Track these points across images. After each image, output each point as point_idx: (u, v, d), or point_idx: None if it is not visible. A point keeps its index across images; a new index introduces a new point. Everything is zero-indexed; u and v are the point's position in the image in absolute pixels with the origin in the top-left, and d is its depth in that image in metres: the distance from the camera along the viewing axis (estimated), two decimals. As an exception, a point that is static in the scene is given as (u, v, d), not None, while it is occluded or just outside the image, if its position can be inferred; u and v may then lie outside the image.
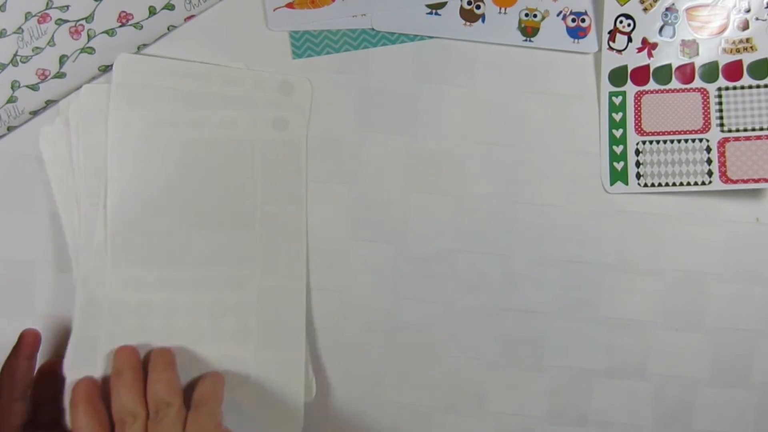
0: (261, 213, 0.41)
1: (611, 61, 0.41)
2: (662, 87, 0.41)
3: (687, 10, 0.41)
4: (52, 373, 0.40)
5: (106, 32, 0.40)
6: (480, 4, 0.41)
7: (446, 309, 0.43)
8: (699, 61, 0.41)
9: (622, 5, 0.41)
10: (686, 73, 0.41)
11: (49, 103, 0.42)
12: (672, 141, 0.41)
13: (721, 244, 0.42)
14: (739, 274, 0.42)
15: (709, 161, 0.41)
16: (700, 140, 0.41)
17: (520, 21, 0.41)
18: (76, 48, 0.40)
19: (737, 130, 0.41)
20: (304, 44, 0.41)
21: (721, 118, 0.41)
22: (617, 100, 0.42)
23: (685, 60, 0.41)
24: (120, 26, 0.40)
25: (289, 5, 0.41)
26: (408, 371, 0.43)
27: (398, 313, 0.43)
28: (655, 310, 0.42)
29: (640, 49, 0.41)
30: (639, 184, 0.42)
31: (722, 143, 0.41)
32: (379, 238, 0.42)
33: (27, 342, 0.40)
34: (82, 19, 0.40)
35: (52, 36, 0.40)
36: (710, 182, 0.41)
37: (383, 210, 0.42)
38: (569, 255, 0.42)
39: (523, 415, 0.43)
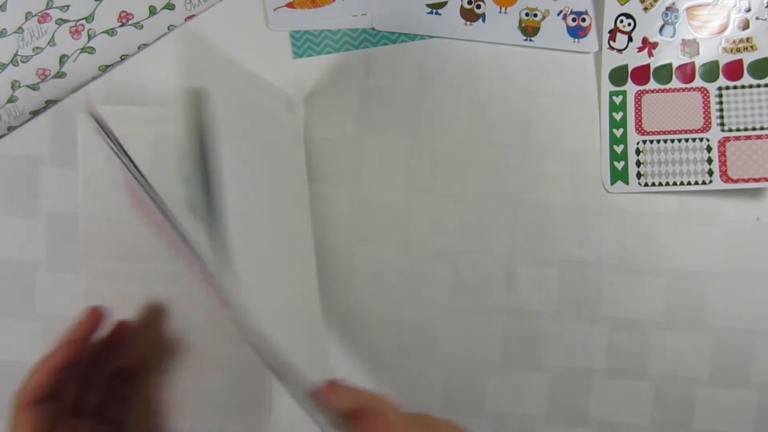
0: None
1: (612, 60, 0.41)
2: (663, 86, 0.41)
3: (687, 9, 0.41)
4: (129, 373, 0.40)
5: (107, 32, 0.40)
6: (480, 3, 0.41)
7: (446, 309, 0.43)
8: (699, 61, 0.41)
9: (622, 5, 0.41)
10: (687, 72, 0.41)
11: (49, 103, 0.42)
12: (672, 140, 0.41)
13: (721, 243, 0.42)
14: (739, 274, 0.42)
15: (710, 161, 0.41)
16: (701, 140, 0.41)
17: (520, 20, 0.41)
18: (76, 48, 0.40)
19: (737, 130, 0.41)
20: (305, 44, 0.41)
21: (722, 117, 0.41)
22: (618, 100, 0.42)
23: (686, 59, 0.41)
24: (120, 26, 0.40)
25: (290, 5, 0.41)
26: (408, 371, 0.43)
27: (399, 312, 0.43)
28: (655, 310, 0.42)
29: (640, 49, 0.41)
30: (639, 183, 0.42)
31: (723, 142, 0.41)
32: (380, 237, 0.42)
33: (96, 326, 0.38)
34: (83, 18, 0.40)
35: (53, 36, 0.40)
36: (711, 181, 0.41)
37: (383, 210, 0.42)
38: (569, 255, 0.42)
39: (523, 415, 0.43)
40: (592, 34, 0.41)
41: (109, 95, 0.42)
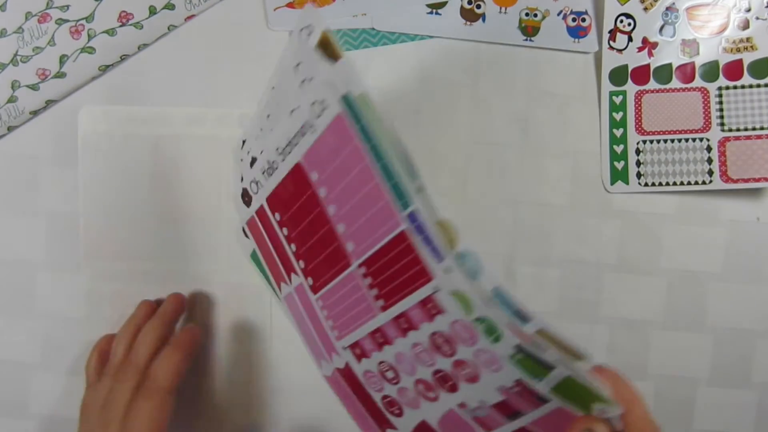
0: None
1: (612, 60, 0.41)
2: (663, 86, 0.41)
3: (687, 9, 0.41)
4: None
5: (107, 32, 0.40)
6: (480, 3, 0.41)
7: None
8: (699, 61, 0.41)
9: (622, 5, 0.41)
10: (687, 72, 0.41)
11: (49, 103, 0.42)
12: (672, 140, 0.41)
13: (721, 243, 0.42)
14: (739, 274, 0.42)
15: (710, 160, 0.41)
16: (701, 139, 0.41)
17: (520, 20, 0.41)
18: (76, 48, 0.40)
19: (738, 130, 0.41)
20: (305, 44, 0.41)
21: (722, 117, 0.41)
22: (618, 100, 0.42)
23: (686, 59, 0.41)
24: (120, 26, 0.40)
25: (290, 5, 0.41)
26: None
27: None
28: (655, 310, 0.42)
29: (640, 49, 0.41)
30: (639, 183, 0.42)
31: (723, 142, 0.41)
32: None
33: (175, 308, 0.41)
34: (83, 18, 0.40)
35: (53, 36, 0.40)
36: (711, 181, 0.41)
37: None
38: (569, 255, 0.42)
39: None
40: (592, 34, 0.41)
41: (109, 95, 0.42)
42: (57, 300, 0.43)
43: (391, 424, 0.33)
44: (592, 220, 0.42)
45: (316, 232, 0.31)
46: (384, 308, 0.30)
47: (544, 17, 0.41)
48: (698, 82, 0.41)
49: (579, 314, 0.43)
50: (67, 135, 0.42)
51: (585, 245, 0.42)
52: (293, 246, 0.32)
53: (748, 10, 0.40)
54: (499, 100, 0.42)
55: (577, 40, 0.41)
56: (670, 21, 0.41)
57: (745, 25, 0.41)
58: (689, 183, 0.41)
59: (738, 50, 0.41)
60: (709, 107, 0.41)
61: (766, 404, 0.43)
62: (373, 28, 0.41)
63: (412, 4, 0.41)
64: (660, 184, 0.41)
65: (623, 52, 0.41)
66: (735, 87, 0.41)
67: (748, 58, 0.41)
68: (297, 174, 0.30)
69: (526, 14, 0.41)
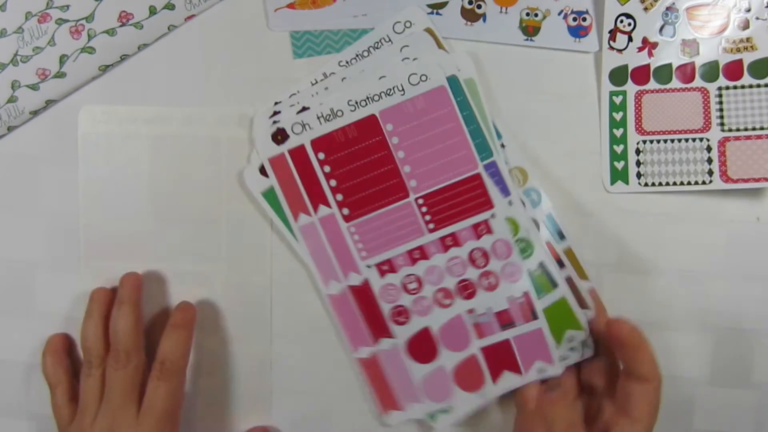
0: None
1: (612, 60, 0.41)
2: (663, 86, 0.41)
3: (687, 9, 0.41)
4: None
5: (107, 32, 0.40)
6: (481, 3, 0.41)
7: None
8: (699, 61, 0.41)
9: (622, 4, 0.41)
10: (687, 72, 0.41)
11: (49, 103, 0.42)
12: (672, 140, 0.41)
13: (721, 243, 0.42)
14: (739, 274, 0.42)
15: (710, 160, 0.41)
16: (701, 139, 0.41)
17: (521, 20, 0.41)
18: (76, 48, 0.40)
19: (738, 130, 0.41)
20: (305, 44, 0.41)
21: (722, 117, 0.41)
22: (618, 100, 0.42)
23: (686, 59, 0.41)
24: (120, 26, 0.40)
25: (290, 5, 0.41)
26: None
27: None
28: (654, 310, 0.42)
29: (640, 49, 0.41)
30: (639, 183, 0.42)
31: (723, 142, 0.41)
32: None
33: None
34: (83, 18, 0.40)
35: (53, 36, 0.40)
36: (711, 181, 0.41)
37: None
38: (570, 255, 0.42)
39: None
40: (593, 33, 0.41)
41: (109, 95, 0.42)
42: (57, 300, 0.43)
43: (389, 333, 0.41)
44: (592, 220, 0.42)
45: (374, 170, 0.40)
46: (432, 230, 0.40)
47: (544, 17, 0.41)
48: (698, 82, 0.41)
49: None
50: (67, 135, 0.42)
51: (585, 245, 0.42)
52: (333, 182, 0.40)
53: (748, 10, 0.40)
54: (500, 100, 0.42)
55: (577, 39, 0.41)
56: (670, 21, 0.41)
57: (745, 25, 0.41)
58: (689, 183, 0.41)
59: (738, 50, 0.41)
60: (709, 107, 0.41)
61: (766, 404, 0.43)
62: (374, 29, 0.41)
63: (412, 5, 0.41)
64: (660, 184, 0.41)
65: (623, 52, 0.41)
66: (735, 87, 0.41)
67: (748, 58, 0.41)
68: (369, 122, 0.39)
69: (527, 14, 0.41)
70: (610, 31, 0.41)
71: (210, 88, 0.42)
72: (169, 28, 0.41)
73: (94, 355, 0.39)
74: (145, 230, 0.42)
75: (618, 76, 0.41)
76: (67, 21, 0.40)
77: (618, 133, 0.42)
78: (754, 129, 0.41)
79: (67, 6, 0.40)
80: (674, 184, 0.41)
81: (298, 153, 0.40)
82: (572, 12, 0.41)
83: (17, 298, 0.43)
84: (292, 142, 0.40)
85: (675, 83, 0.41)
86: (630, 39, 0.41)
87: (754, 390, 0.43)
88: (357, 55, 0.41)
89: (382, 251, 0.40)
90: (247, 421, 0.43)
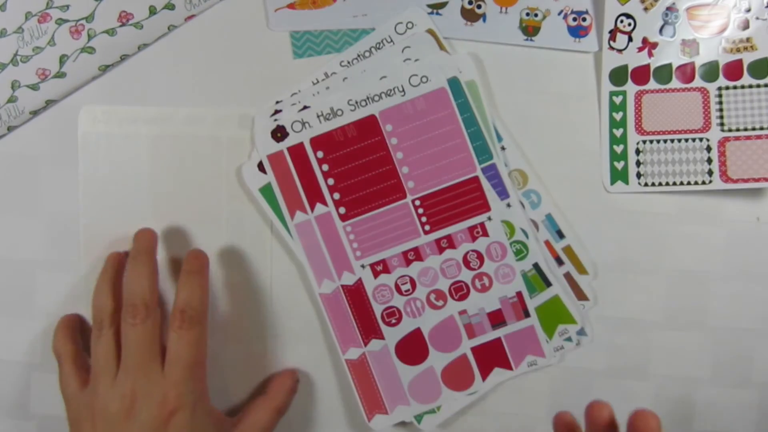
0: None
1: (612, 60, 0.41)
2: (662, 86, 0.41)
3: (687, 9, 0.41)
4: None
5: (107, 32, 0.40)
6: (481, 3, 0.41)
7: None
8: (699, 61, 0.41)
9: (622, 4, 0.41)
10: (686, 72, 0.41)
11: (49, 103, 0.42)
12: (672, 140, 0.41)
13: (721, 243, 0.42)
14: (739, 274, 0.42)
15: (710, 160, 0.41)
16: (701, 139, 0.41)
17: (521, 20, 0.41)
18: (76, 48, 0.40)
19: (737, 130, 0.41)
20: (305, 44, 0.41)
21: (722, 117, 0.41)
22: (618, 100, 0.42)
23: (686, 59, 0.41)
24: (120, 26, 0.40)
25: (290, 5, 0.41)
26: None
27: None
28: (655, 310, 0.42)
29: (640, 49, 0.41)
30: (639, 183, 0.42)
31: (722, 142, 0.41)
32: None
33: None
34: (83, 18, 0.40)
35: (53, 36, 0.40)
36: (710, 181, 0.41)
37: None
38: (570, 255, 0.42)
39: (523, 415, 0.43)
40: (593, 33, 0.41)
41: (109, 95, 0.42)
42: (57, 300, 0.43)
43: (380, 333, 0.41)
44: (592, 220, 0.42)
45: (372, 171, 0.40)
46: (428, 232, 0.40)
47: (544, 17, 0.41)
48: (698, 82, 0.41)
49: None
50: (67, 135, 0.42)
51: (584, 245, 0.42)
52: (330, 180, 0.40)
53: (748, 11, 0.40)
54: (500, 100, 0.42)
55: (577, 39, 0.41)
56: (670, 21, 0.41)
57: (745, 25, 0.41)
58: (689, 183, 0.41)
59: (738, 50, 0.41)
60: (709, 107, 0.41)
61: (767, 404, 0.43)
62: (374, 29, 0.41)
63: (412, 5, 0.41)
64: (660, 184, 0.41)
65: (623, 52, 0.41)
66: (735, 87, 0.41)
67: (748, 58, 0.41)
68: (368, 122, 0.40)
69: (527, 14, 0.41)
70: (610, 31, 0.41)
71: (210, 88, 0.42)
72: (169, 28, 0.41)
73: (105, 312, 0.37)
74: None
75: (618, 76, 0.41)
76: (67, 21, 0.40)
77: (618, 133, 0.42)
78: (753, 129, 0.41)
79: (67, 6, 0.40)
80: (674, 184, 0.41)
81: (297, 151, 0.40)
82: (572, 12, 0.41)
83: (17, 298, 0.43)
84: (292, 140, 0.40)
85: (675, 83, 0.41)
86: (630, 39, 0.41)
87: (754, 390, 0.43)
88: (359, 55, 0.41)
89: (377, 251, 0.40)
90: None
